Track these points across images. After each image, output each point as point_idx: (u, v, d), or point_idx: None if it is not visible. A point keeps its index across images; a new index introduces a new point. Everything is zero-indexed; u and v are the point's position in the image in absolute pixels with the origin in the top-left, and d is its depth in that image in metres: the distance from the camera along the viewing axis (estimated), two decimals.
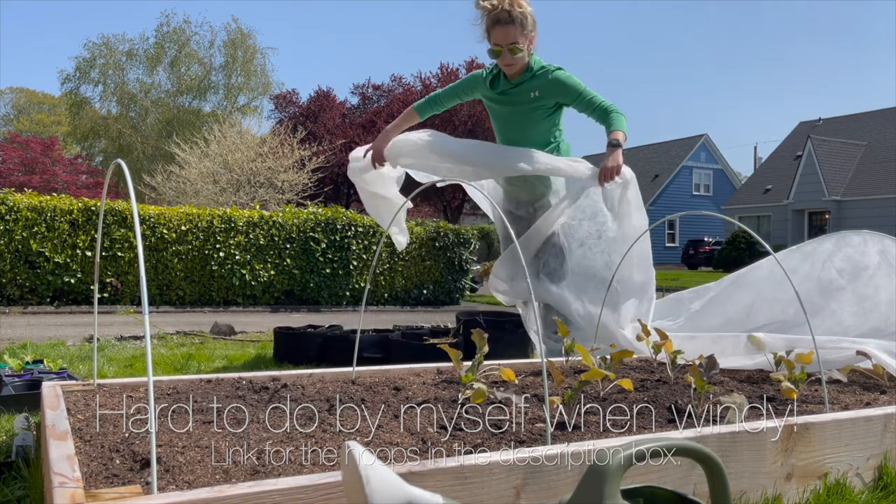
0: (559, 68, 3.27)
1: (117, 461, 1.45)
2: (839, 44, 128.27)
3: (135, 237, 1.79)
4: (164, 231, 8.71)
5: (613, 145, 3.05)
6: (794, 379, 2.36)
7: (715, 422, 1.95)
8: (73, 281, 8.20)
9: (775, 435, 1.79)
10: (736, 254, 25.47)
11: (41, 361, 3.43)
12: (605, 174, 3.05)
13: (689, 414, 2.05)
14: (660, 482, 1.40)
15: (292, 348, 4.03)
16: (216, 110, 31.32)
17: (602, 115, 3.16)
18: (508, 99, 3.30)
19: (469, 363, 2.33)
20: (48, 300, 8.19)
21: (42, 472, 1.63)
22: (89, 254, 8.31)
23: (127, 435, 1.62)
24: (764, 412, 2.12)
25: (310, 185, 17.51)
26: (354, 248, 9.68)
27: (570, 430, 1.84)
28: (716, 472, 1.11)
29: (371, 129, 29.42)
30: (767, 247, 2.52)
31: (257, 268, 9.24)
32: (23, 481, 1.78)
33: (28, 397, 2.63)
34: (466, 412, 1.96)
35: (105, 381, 2.14)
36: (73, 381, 2.12)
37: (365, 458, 1.12)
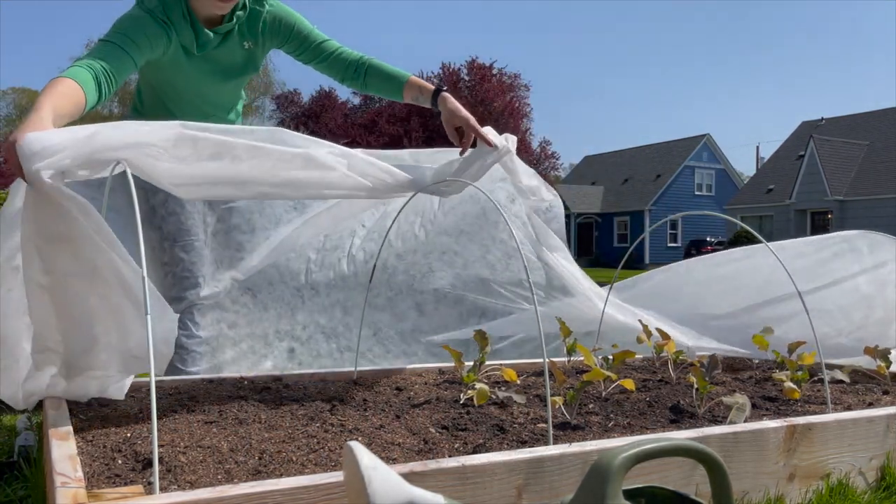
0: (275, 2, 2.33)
1: (119, 461, 1.45)
2: (841, 43, 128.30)
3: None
4: None
5: (444, 90, 2.27)
6: (797, 379, 2.36)
7: (717, 422, 1.95)
8: None
9: (777, 435, 1.79)
10: None
11: None
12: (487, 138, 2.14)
13: (692, 414, 2.05)
14: (661, 482, 1.40)
15: None
16: None
17: (364, 66, 2.33)
18: (211, 60, 2.25)
19: (471, 363, 2.33)
20: None
21: (44, 472, 1.63)
22: None
23: (129, 435, 1.62)
24: (766, 412, 2.12)
25: None
26: None
27: (572, 430, 1.84)
28: (718, 473, 1.11)
29: (372, 128, 29.48)
30: (769, 247, 2.51)
31: None
32: (24, 481, 1.78)
33: None
34: (468, 412, 1.96)
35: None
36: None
37: (367, 458, 1.12)
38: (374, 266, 2.54)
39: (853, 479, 1.90)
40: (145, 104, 2.45)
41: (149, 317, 1.27)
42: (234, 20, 2.21)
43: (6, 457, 1.96)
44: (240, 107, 2.62)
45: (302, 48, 2.35)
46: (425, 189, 2.07)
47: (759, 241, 2.47)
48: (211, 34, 2.20)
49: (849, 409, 2.19)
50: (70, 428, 1.56)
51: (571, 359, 2.80)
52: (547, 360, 1.66)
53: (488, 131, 2.15)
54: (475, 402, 2.03)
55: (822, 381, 2.44)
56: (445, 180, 2.10)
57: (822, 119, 32.60)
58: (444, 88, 2.27)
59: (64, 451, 1.38)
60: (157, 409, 1.83)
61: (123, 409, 1.87)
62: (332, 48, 2.37)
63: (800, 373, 2.40)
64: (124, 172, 1.40)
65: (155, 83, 2.35)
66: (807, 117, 39.42)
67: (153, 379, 1.27)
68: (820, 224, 27.16)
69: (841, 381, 2.60)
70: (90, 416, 1.79)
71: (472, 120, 2.17)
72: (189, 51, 2.20)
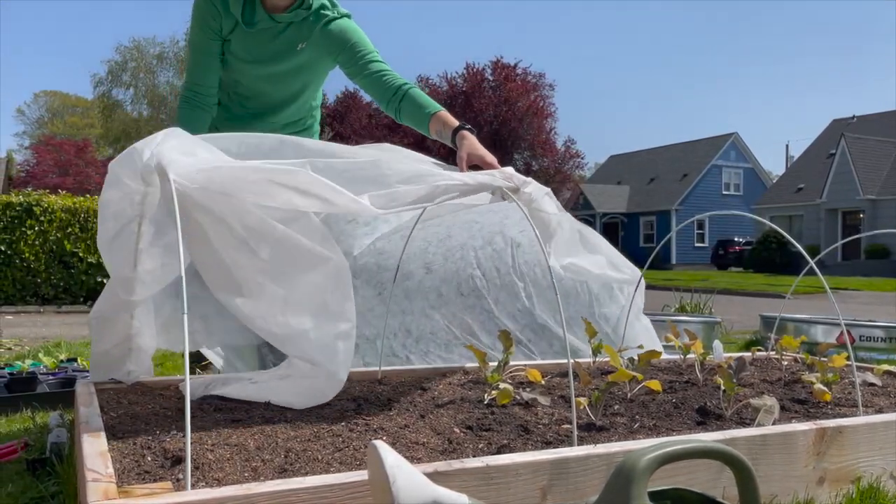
0: (347, 14, 2.37)
1: (149, 458, 1.47)
2: (874, 39, 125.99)
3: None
4: None
5: (466, 128, 2.15)
6: (827, 381, 2.32)
7: (745, 424, 1.93)
8: (105, 281, 8.36)
9: (807, 438, 1.76)
10: (767, 254, 25.11)
11: (75, 360, 3.50)
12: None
13: (719, 416, 2.03)
14: (688, 484, 1.39)
15: None
16: None
17: (402, 93, 2.27)
18: (262, 43, 2.31)
19: (495, 364, 2.32)
20: (81, 300, 8.34)
21: (75, 469, 1.66)
22: None
23: (158, 432, 1.65)
24: (795, 415, 2.09)
25: None
26: None
27: (597, 431, 1.83)
28: (745, 475, 1.09)
29: (397, 129, 29.55)
30: (799, 247, 2.48)
31: None
32: (56, 477, 1.82)
33: (62, 395, 2.68)
34: (492, 412, 1.96)
35: (137, 380, 2.17)
36: (106, 380, 2.15)
37: (391, 457, 1.12)
38: (398, 267, 2.55)
39: (884, 483, 1.87)
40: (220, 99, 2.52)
41: (185, 315, 1.29)
42: (294, 14, 2.25)
43: (39, 453, 2.00)
44: (300, 116, 2.54)
45: (351, 62, 2.33)
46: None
47: (788, 240, 2.44)
48: (267, 18, 2.25)
49: (880, 411, 2.15)
50: (101, 425, 1.59)
51: (596, 359, 2.78)
52: (571, 360, 1.65)
53: (510, 171, 1.97)
54: (499, 402, 2.02)
55: (853, 383, 2.40)
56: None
57: (854, 117, 32.05)
58: (467, 127, 2.17)
59: (95, 448, 1.41)
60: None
61: (152, 407, 1.90)
62: (377, 69, 2.30)
63: (830, 375, 2.36)
64: None
65: (225, 66, 2.42)
66: (838, 115, 38.83)
67: (188, 377, 1.28)
68: (851, 224, 26.69)
69: (873, 384, 2.56)
70: (120, 413, 1.82)
71: (490, 157, 2.04)
72: (239, 25, 2.26)
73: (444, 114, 2.23)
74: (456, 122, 2.20)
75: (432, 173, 1.76)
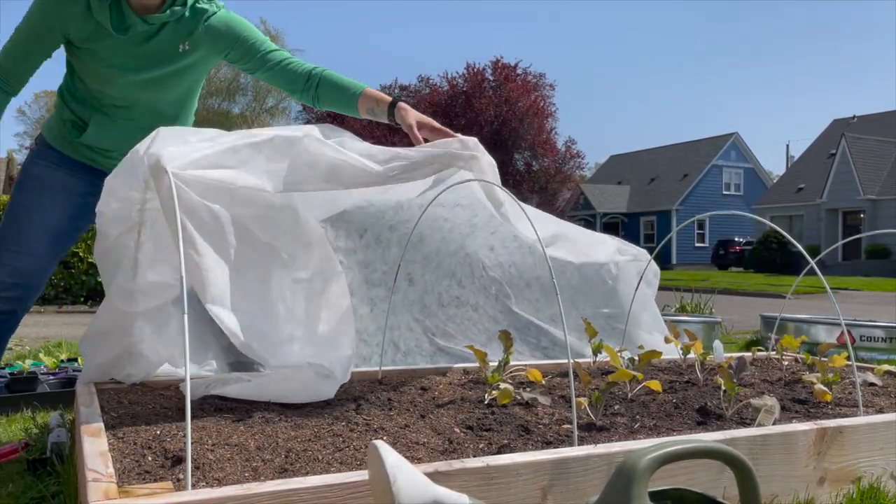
0: (221, 6, 2.21)
1: (149, 458, 1.47)
2: (874, 40, 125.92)
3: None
4: None
5: (404, 100, 2.13)
6: (827, 381, 2.32)
7: (745, 424, 1.93)
8: None
9: (807, 438, 1.76)
10: (767, 254, 25.12)
11: (75, 360, 3.49)
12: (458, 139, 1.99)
13: (719, 416, 2.03)
14: (688, 484, 1.39)
15: None
16: (245, 112, 31.69)
17: (317, 78, 2.16)
18: (135, 48, 2.09)
19: (495, 364, 2.32)
20: (82, 299, 8.34)
21: (76, 469, 1.66)
22: None
23: (158, 432, 1.65)
24: (796, 415, 2.09)
25: None
26: None
27: (597, 431, 1.83)
28: (746, 475, 1.10)
29: (397, 129, 29.50)
30: (799, 247, 2.48)
31: None
32: (56, 477, 1.82)
33: (62, 395, 2.68)
34: (493, 412, 1.96)
35: (137, 380, 2.17)
36: (107, 380, 2.15)
37: (392, 457, 1.12)
38: (399, 266, 2.55)
39: (885, 483, 1.87)
40: (76, 96, 2.24)
41: (186, 316, 1.29)
42: (169, 13, 2.07)
43: (39, 453, 2.00)
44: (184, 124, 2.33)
45: (247, 57, 2.20)
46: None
47: (788, 240, 2.44)
48: (139, 21, 2.05)
49: (881, 411, 2.15)
50: (101, 425, 1.59)
51: (597, 359, 2.78)
52: (571, 360, 1.65)
53: (466, 139, 1.97)
54: (499, 402, 2.02)
55: (853, 383, 2.40)
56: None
57: (854, 117, 32.06)
58: (402, 98, 2.12)
59: (95, 448, 1.41)
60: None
61: (152, 407, 1.90)
62: (279, 58, 2.20)
63: (830, 375, 2.36)
64: None
65: (82, 73, 2.18)
66: (838, 115, 38.80)
67: (188, 377, 1.28)
68: (851, 224, 26.69)
69: (873, 384, 2.56)
70: (121, 413, 1.82)
71: (438, 124, 2.03)
72: (106, 30, 2.05)
73: (372, 91, 2.13)
74: (389, 97, 2.11)
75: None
